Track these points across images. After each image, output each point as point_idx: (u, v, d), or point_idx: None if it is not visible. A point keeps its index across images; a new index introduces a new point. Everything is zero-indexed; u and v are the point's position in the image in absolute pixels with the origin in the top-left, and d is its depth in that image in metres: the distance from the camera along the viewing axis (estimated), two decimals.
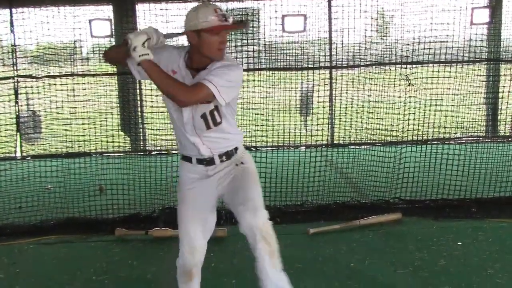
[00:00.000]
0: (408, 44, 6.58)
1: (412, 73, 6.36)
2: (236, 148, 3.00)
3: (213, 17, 2.70)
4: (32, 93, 6.64)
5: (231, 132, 2.97)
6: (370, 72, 6.79)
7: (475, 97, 7.04)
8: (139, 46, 2.65)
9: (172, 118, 2.96)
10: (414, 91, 6.25)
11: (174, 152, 6.72)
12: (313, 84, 7.46)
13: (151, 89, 6.78)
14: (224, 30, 2.75)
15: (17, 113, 6.92)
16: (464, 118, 6.81)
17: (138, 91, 7.48)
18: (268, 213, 2.88)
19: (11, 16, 6.92)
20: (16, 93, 6.86)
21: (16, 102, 6.84)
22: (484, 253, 4.20)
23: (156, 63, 2.70)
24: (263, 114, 6.69)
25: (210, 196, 3.01)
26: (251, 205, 2.83)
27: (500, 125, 7.76)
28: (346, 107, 6.92)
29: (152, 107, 6.97)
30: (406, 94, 6.25)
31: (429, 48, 6.22)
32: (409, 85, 6.22)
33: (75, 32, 6.82)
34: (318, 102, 7.11)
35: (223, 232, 4.67)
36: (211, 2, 2.85)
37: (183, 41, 2.95)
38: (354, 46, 6.99)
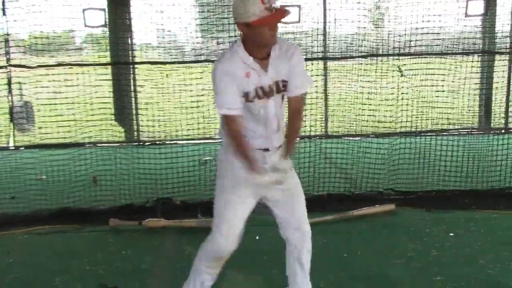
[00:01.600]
0: (402, 36, 6.59)
1: (404, 64, 6.37)
2: None
3: (262, 9, 2.60)
4: (25, 83, 6.61)
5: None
6: (364, 64, 6.80)
7: (468, 89, 7.06)
8: None
9: (252, 118, 2.85)
10: (405, 82, 6.27)
11: (168, 142, 6.71)
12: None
13: (146, 80, 6.78)
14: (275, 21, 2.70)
15: (10, 103, 6.88)
16: (457, 110, 6.84)
17: (132, 81, 7.45)
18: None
19: (4, 5, 6.86)
20: (9, 83, 6.81)
21: (9, 92, 6.79)
22: (476, 244, 4.23)
23: None
24: None
25: (259, 189, 2.93)
26: (305, 229, 3.03)
27: (493, 117, 7.80)
28: (340, 99, 6.93)
29: (146, 97, 6.96)
30: (398, 85, 6.27)
31: (423, 40, 6.23)
32: (401, 76, 6.23)
33: (69, 21, 6.77)
34: (314, 92, 7.11)
35: None
36: None
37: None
38: (349, 37, 6.99)
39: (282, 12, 2.70)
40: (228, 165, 2.91)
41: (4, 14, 6.89)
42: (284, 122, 2.93)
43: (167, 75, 6.73)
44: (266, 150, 2.88)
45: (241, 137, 2.80)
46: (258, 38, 2.68)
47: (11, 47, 6.89)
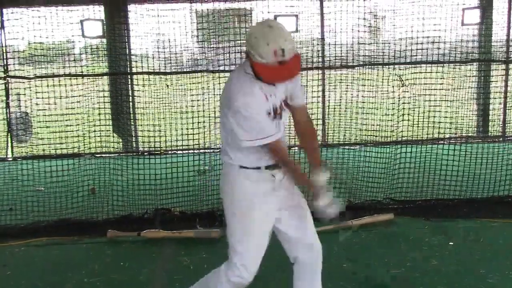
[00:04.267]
0: (399, 45, 6.61)
1: (404, 74, 6.38)
2: None
3: (273, 60, 2.50)
4: (24, 94, 6.60)
5: None
6: (362, 73, 6.81)
7: (466, 98, 7.07)
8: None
9: None
10: (406, 91, 6.28)
11: (166, 152, 6.70)
12: (306, 85, 7.45)
13: (143, 90, 6.77)
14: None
15: (8, 114, 6.87)
16: (456, 118, 6.84)
17: (130, 92, 7.45)
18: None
19: (2, 17, 6.87)
20: (7, 94, 6.81)
21: (7, 103, 6.79)
22: (475, 253, 4.22)
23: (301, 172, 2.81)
24: None
25: (274, 215, 2.86)
26: (318, 246, 2.98)
27: (492, 125, 7.80)
28: (340, 108, 6.93)
29: (144, 107, 6.94)
30: (399, 94, 6.27)
31: (421, 49, 6.25)
32: (402, 85, 6.24)
33: (67, 32, 6.78)
34: (312, 103, 7.11)
35: (217, 233, 4.66)
36: (275, 33, 2.50)
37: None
38: (346, 46, 7.00)
39: (292, 69, 2.55)
40: (241, 189, 2.79)
41: (2, 25, 6.90)
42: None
43: (167, 85, 6.72)
44: (274, 167, 2.78)
45: (292, 160, 2.78)
46: (256, 73, 2.60)
47: (9, 58, 6.90)
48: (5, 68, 6.84)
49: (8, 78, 6.73)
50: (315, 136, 2.87)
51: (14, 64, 6.99)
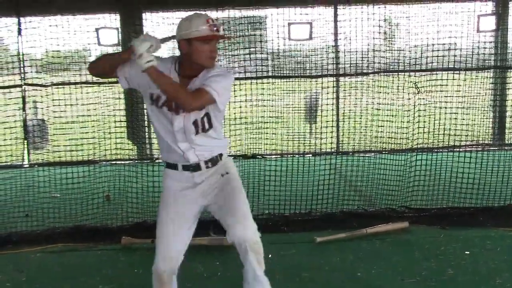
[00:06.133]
0: (414, 52, 6.58)
1: (419, 81, 6.35)
2: (220, 155, 3.07)
3: (205, 26, 2.80)
4: (41, 102, 6.68)
5: (218, 138, 3.05)
6: (377, 80, 6.78)
7: (482, 105, 7.01)
8: (144, 52, 2.69)
9: (159, 127, 2.99)
10: (422, 98, 6.24)
11: None
12: (320, 92, 7.44)
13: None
14: (214, 39, 2.86)
15: (25, 121, 6.95)
16: (471, 125, 6.78)
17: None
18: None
19: (19, 25, 6.98)
20: (24, 101, 6.89)
21: (24, 110, 6.87)
22: (492, 263, 4.16)
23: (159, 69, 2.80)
24: (269, 122, 6.69)
25: (194, 206, 3.05)
26: (240, 217, 2.95)
27: (509, 133, 7.71)
28: (355, 115, 6.90)
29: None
30: (414, 102, 6.23)
31: (437, 56, 6.22)
32: (418, 93, 6.20)
33: (83, 41, 6.86)
34: (326, 110, 7.09)
35: None
36: (204, 13, 2.99)
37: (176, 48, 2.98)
38: (360, 53, 6.98)
39: (223, 35, 2.93)
40: (164, 184, 3.08)
41: (19, 33, 7.01)
42: (207, 140, 2.98)
43: None
44: (189, 168, 2.98)
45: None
46: (196, 56, 2.83)
47: (26, 66, 7.00)
48: (22, 75, 6.93)
49: (25, 86, 6.82)
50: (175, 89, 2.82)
51: (31, 72, 7.08)
